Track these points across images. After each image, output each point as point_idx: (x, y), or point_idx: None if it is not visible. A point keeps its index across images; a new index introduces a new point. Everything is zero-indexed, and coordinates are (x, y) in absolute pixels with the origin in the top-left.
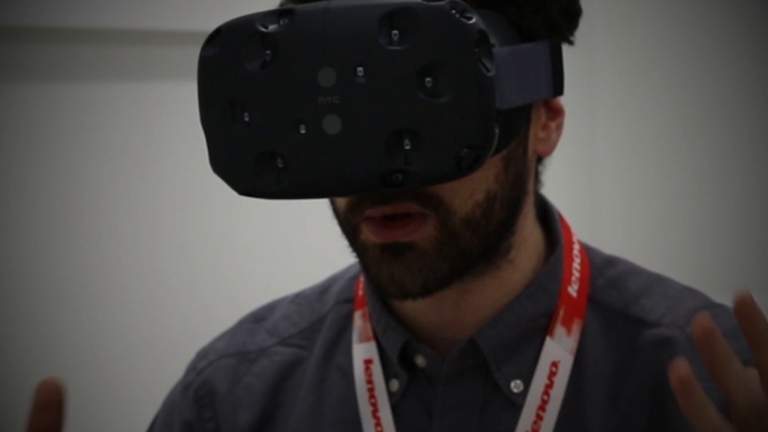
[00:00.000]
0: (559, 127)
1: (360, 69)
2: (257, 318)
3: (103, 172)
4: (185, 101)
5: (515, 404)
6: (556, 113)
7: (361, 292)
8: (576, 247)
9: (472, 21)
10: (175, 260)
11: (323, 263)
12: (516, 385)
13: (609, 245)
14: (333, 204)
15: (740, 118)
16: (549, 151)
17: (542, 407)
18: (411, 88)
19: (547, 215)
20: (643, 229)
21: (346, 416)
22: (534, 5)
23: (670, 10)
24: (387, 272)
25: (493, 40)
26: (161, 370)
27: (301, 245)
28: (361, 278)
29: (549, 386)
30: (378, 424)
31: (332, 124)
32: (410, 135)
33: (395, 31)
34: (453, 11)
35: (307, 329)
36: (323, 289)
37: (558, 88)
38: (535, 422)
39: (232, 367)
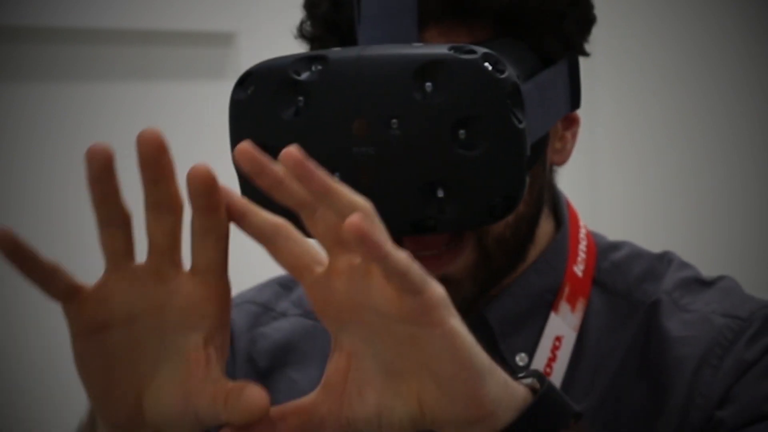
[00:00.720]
0: (574, 136)
1: (394, 121)
2: (285, 285)
3: None
4: (185, 101)
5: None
6: (571, 123)
7: None
8: (582, 231)
9: (506, 74)
10: None
11: None
12: (521, 358)
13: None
14: None
15: (740, 118)
16: (564, 160)
17: None
18: (445, 141)
19: (555, 202)
20: (643, 228)
21: None
22: (553, 28)
23: (670, 10)
24: None
25: (513, 68)
26: None
27: None
28: None
29: (552, 360)
30: None
31: (368, 175)
32: (444, 186)
33: (428, 83)
34: (486, 64)
35: None
36: None
37: (575, 102)
38: None
39: (254, 313)
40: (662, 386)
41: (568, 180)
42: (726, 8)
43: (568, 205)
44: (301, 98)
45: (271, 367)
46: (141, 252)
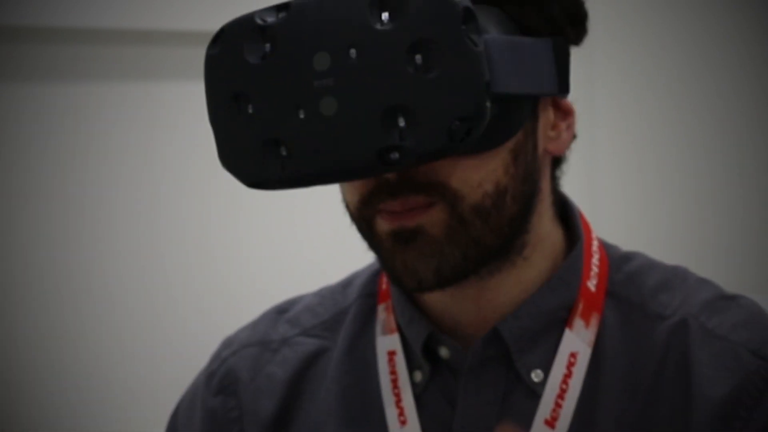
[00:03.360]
0: (570, 128)
1: (352, 50)
2: (280, 310)
3: (103, 172)
4: (185, 101)
5: (535, 393)
6: (565, 114)
7: (384, 286)
8: (595, 243)
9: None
10: (175, 260)
11: (321, 263)
12: (536, 375)
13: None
14: (345, 202)
15: (740, 118)
16: (560, 150)
17: (561, 396)
18: (401, 65)
19: (567, 213)
20: (643, 228)
21: (369, 406)
22: (535, 4)
23: (670, 9)
24: (400, 261)
25: (489, 28)
26: (161, 370)
27: (301, 247)
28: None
29: (567, 376)
30: (401, 413)
31: (328, 106)
32: (404, 112)
33: (385, 14)
34: None
35: (329, 320)
36: (346, 284)
37: (563, 87)
38: (554, 410)
39: (254, 356)
40: (685, 423)
41: (568, 180)
42: (726, 8)
43: (582, 217)
44: (268, 44)
45: (286, 405)
46: (142, 251)
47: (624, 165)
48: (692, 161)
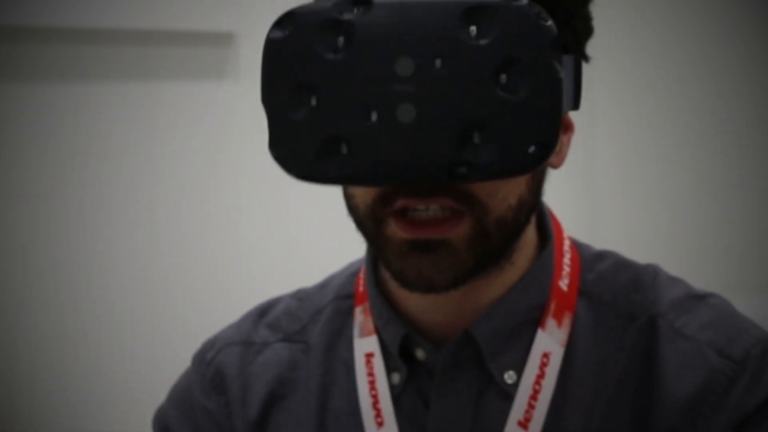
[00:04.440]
0: (569, 142)
1: (438, 60)
2: (260, 312)
3: (103, 171)
4: (185, 101)
5: (508, 394)
6: (567, 127)
7: (361, 288)
8: (566, 243)
9: (549, 23)
10: (174, 260)
11: (320, 264)
12: (509, 376)
13: (608, 244)
14: (353, 200)
15: (740, 118)
16: (560, 163)
17: (534, 397)
18: (487, 82)
19: (539, 214)
20: (643, 228)
21: (348, 408)
22: (567, 20)
23: (670, 10)
24: (415, 267)
25: None
26: (161, 370)
27: (298, 246)
28: (362, 275)
29: (540, 377)
30: (378, 415)
31: (406, 113)
32: (481, 129)
33: (473, 27)
34: (531, 12)
35: (308, 324)
36: (322, 285)
37: (577, 102)
38: (527, 411)
39: (238, 353)
40: (648, 420)
41: (568, 180)
42: (726, 8)
43: (553, 217)
44: (341, 38)
45: (269, 407)
46: (141, 250)
47: (624, 165)
48: (692, 161)
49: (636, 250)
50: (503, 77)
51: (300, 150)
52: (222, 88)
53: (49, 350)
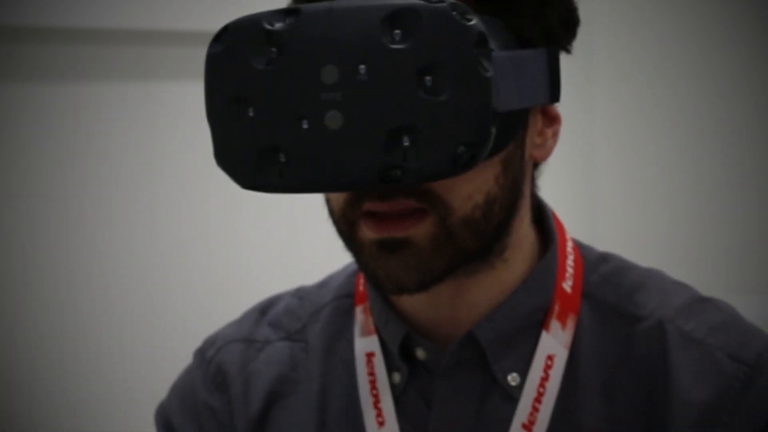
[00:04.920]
0: (555, 135)
1: (362, 67)
2: (262, 310)
3: (103, 171)
4: (185, 101)
5: (512, 396)
6: (552, 120)
7: (361, 288)
8: (569, 244)
9: (472, 23)
10: (174, 259)
11: (320, 264)
12: (513, 378)
13: (608, 244)
14: (329, 204)
15: (740, 118)
16: (544, 157)
17: (538, 399)
18: (411, 86)
19: (541, 215)
20: (642, 228)
21: (349, 407)
22: (533, 14)
23: (669, 10)
24: (383, 269)
25: (492, 44)
26: (161, 370)
27: (298, 246)
28: (362, 274)
29: (545, 379)
30: (379, 414)
31: (334, 120)
32: (409, 132)
33: (397, 31)
34: (454, 12)
35: (308, 323)
36: (322, 284)
37: (555, 95)
38: (531, 414)
39: (240, 351)
40: (662, 427)
41: (568, 179)
42: (725, 8)
43: (555, 218)
44: (274, 49)
45: (269, 404)
46: (141, 250)
47: (623, 165)
48: (692, 161)
49: (635, 250)
50: (428, 79)
51: (242, 160)
52: None
53: (49, 350)
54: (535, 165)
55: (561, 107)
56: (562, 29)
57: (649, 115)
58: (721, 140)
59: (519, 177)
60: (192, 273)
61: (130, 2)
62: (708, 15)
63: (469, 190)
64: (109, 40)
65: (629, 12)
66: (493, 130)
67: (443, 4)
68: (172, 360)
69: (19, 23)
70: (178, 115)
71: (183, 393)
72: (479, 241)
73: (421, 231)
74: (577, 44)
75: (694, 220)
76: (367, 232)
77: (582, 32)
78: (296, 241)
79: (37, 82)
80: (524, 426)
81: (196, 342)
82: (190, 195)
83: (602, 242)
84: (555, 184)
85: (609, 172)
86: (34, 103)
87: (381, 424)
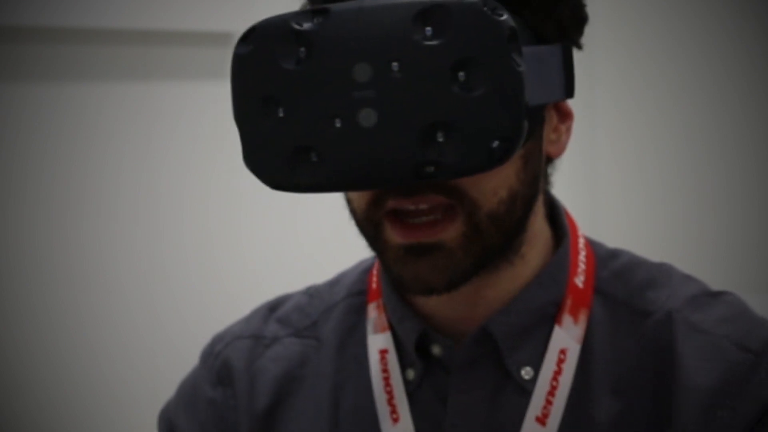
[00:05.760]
0: (569, 130)
1: (395, 64)
2: (271, 307)
3: (103, 171)
4: (185, 101)
5: (525, 390)
6: (565, 116)
7: (374, 285)
8: (581, 240)
9: (504, 18)
10: (174, 259)
11: (321, 264)
12: (526, 372)
13: (608, 243)
14: (350, 204)
15: (740, 117)
16: (559, 153)
17: (551, 393)
18: (445, 82)
19: (554, 212)
20: (643, 227)
21: (362, 404)
22: (547, 10)
23: (670, 9)
24: (412, 272)
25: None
26: (161, 370)
27: (299, 246)
28: (374, 271)
29: (558, 373)
30: (394, 411)
31: (367, 118)
32: (443, 128)
33: (428, 28)
34: (485, 8)
35: (319, 320)
36: (334, 282)
37: (569, 91)
38: (544, 407)
39: (248, 347)
40: (669, 414)
41: (568, 178)
42: (725, 7)
43: (567, 215)
44: (303, 49)
45: (277, 401)
46: (141, 250)
47: (624, 165)
48: (692, 161)
49: (636, 250)
50: (461, 75)
51: (272, 160)
52: (222, 88)
53: (49, 350)
54: (548, 161)
55: None
56: (573, 25)
57: (650, 114)
58: (721, 139)
59: (537, 173)
60: (192, 272)
61: (130, 2)
62: (709, 15)
63: (494, 186)
64: (109, 40)
65: (630, 11)
66: (526, 124)
67: (474, 0)
68: (172, 360)
69: (19, 23)
70: (178, 115)
71: (186, 391)
72: (503, 237)
73: (452, 233)
74: None
75: (694, 219)
76: (393, 236)
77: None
78: (296, 242)
79: (37, 82)
80: (537, 419)
81: (196, 342)
82: (190, 195)
83: (602, 241)
84: (555, 182)
85: (610, 171)
86: (34, 103)
87: (395, 420)
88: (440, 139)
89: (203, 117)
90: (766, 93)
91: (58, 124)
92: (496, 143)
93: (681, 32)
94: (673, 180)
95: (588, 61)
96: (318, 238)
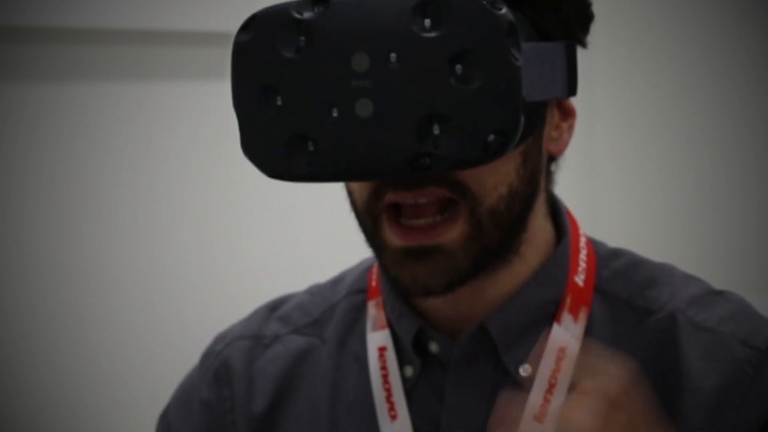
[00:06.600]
0: (571, 128)
1: (393, 55)
2: (272, 307)
3: (103, 172)
4: (185, 101)
5: (523, 388)
6: (568, 114)
7: (374, 283)
8: (582, 239)
9: (503, 11)
10: (174, 260)
11: (321, 264)
12: (524, 369)
13: (608, 241)
14: (351, 196)
15: (740, 117)
16: (560, 151)
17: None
18: (442, 74)
19: (555, 210)
20: (643, 226)
21: (361, 401)
22: (551, 7)
23: (670, 9)
24: (410, 275)
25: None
26: (161, 369)
27: (299, 246)
28: (374, 269)
29: (556, 371)
30: (392, 408)
31: (364, 108)
32: (440, 120)
33: (427, 20)
34: (484, 2)
35: (320, 318)
36: (336, 281)
37: (572, 89)
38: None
39: (247, 348)
40: (673, 415)
41: (568, 180)
42: (725, 7)
43: (568, 213)
44: (302, 38)
45: (276, 402)
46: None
47: (624, 165)
48: (692, 161)
49: (636, 249)
50: (458, 68)
51: (270, 149)
52: (222, 88)
53: (49, 350)
54: (550, 159)
55: None
56: (577, 23)
57: (650, 113)
58: (722, 139)
59: (537, 171)
60: (192, 272)
61: (130, 2)
62: (709, 14)
63: (494, 182)
64: (109, 40)
65: (630, 11)
66: (522, 119)
67: None
68: (172, 360)
69: (19, 23)
70: (178, 115)
71: (182, 393)
72: (502, 235)
73: (453, 234)
74: None
75: (694, 219)
76: (392, 238)
77: None
78: (296, 242)
79: (37, 82)
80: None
81: (196, 342)
82: (190, 195)
83: (602, 240)
84: (555, 181)
85: (610, 170)
86: (34, 103)
87: (393, 417)
88: (436, 132)
89: (203, 117)
90: (766, 93)
91: (58, 124)
92: (491, 137)
93: (681, 32)
94: (673, 179)
95: (588, 61)
96: (318, 239)
